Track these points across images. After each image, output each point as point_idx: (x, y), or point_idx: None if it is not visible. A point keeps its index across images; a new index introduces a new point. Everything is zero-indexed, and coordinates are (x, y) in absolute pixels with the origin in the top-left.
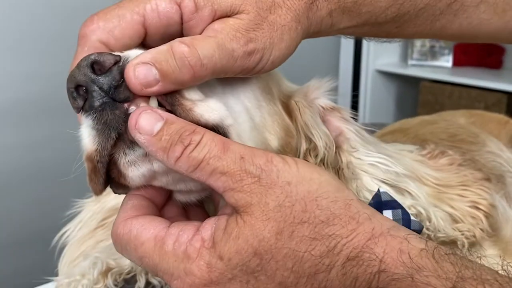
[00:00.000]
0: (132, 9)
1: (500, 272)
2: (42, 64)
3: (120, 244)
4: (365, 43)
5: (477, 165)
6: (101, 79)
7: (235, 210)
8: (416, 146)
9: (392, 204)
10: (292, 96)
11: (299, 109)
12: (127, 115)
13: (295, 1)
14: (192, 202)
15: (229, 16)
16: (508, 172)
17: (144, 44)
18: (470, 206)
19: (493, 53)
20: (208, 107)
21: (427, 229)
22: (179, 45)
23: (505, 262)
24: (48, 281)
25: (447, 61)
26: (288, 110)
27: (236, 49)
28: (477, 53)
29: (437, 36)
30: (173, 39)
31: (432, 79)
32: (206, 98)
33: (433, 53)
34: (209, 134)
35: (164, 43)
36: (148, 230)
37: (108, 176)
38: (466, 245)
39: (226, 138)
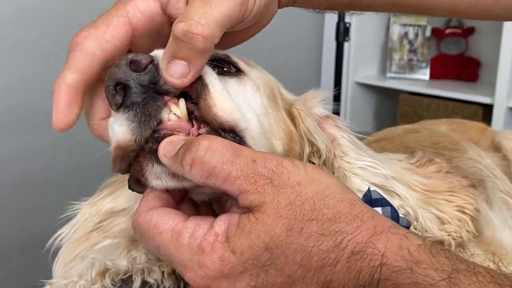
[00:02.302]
0: (116, 13)
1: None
2: (36, 72)
3: (140, 232)
4: (346, 56)
5: (463, 173)
6: (141, 77)
7: (249, 210)
8: (405, 155)
9: (382, 202)
10: (293, 104)
11: (301, 116)
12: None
13: None
14: (204, 200)
15: None
16: (488, 177)
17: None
18: (456, 210)
19: (469, 66)
20: (226, 108)
21: (415, 228)
22: (176, 27)
23: (495, 258)
24: (43, 284)
25: (424, 74)
26: (291, 117)
27: None
28: (453, 66)
29: (396, 6)
30: (162, 30)
31: (410, 91)
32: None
33: (410, 66)
34: (219, 140)
35: (153, 37)
36: (167, 221)
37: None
38: (453, 246)
39: (235, 143)
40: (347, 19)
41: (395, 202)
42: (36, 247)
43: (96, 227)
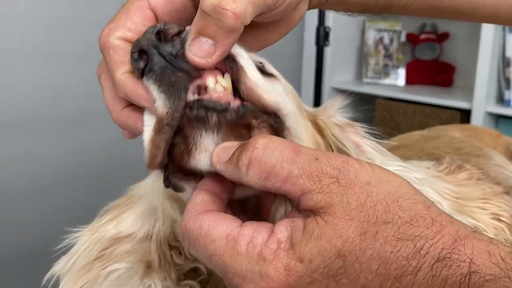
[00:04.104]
0: (133, 1)
1: None
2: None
3: (189, 239)
4: (324, 61)
5: (493, 179)
6: (161, 46)
7: (313, 212)
8: (432, 162)
9: None
10: (317, 115)
11: (329, 126)
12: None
13: None
14: (241, 198)
15: None
16: None
17: None
18: (492, 218)
19: (444, 71)
20: (270, 90)
21: None
22: (205, 0)
23: None
24: None
25: (400, 79)
26: (316, 128)
27: None
28: (428, 71)
29: (434, 9)
30: (183, 12)
31: (386, 96)
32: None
33: (386, 72)
34: (277, 138)
35: (174, 20)
36: (220, 227)
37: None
38: None
39: (295, 142)
40: (327, 23)
41: None
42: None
43: (100, 255)
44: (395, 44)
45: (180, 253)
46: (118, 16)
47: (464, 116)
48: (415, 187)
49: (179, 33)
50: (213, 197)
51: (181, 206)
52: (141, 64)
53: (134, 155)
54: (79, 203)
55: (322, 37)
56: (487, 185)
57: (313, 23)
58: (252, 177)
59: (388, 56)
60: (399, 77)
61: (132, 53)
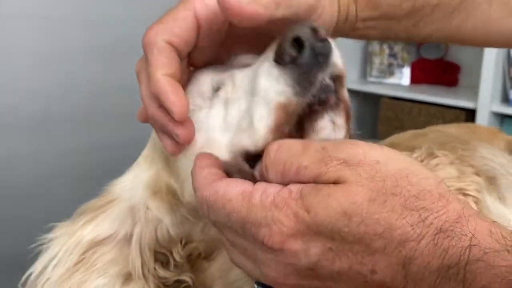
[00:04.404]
0: (184, 7)
1: None
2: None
3: (207, 205)
4: None
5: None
6: (318, 44)
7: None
8: (405, 153)
9: None
10: None
11: None
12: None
13: None
14: None
15: None
16: (501, 174)
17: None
18: (457, 194)
19: (449, 71)
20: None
21: None
22: None
23: None
24: None
25: (404, 78)
26: None
27: None
28: (433, 71)
29: (454, 38)
30: (220, 28)
31: (390, 96)
32: None
33: (390, 71)
34: (288, 140)
35: (211, 32)
36: (235, 187)
37: None
38: None
39: (306, 140)
40: None
41: None
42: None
43: (81, 259)
44: (400, 43)
45: (167, 263)
46: (166, 19)
47: (469, 115)
48: (425, 167)
49: (327, 40)
50: (216, 169)
51: (172, 206)
52: (293, 53)
53: (137, 155)
54: (80, 203)
55: None
56: (456, 167)
57: None
58: (272, 179)
59: (392, 55)
60: (404, 76)
61: (288, 37)
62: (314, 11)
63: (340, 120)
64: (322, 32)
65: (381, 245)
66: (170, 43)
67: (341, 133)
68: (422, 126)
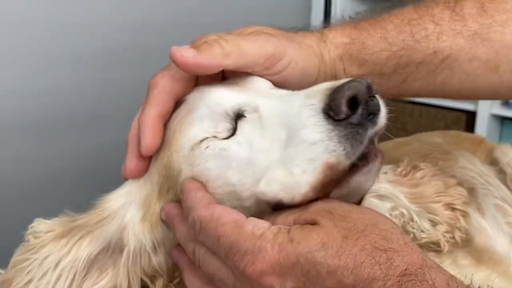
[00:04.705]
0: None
1: None
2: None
3: (200, 225)
4: None
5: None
6: (371, 102)
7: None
8: (389, 166)
9: None
10: None
11: None
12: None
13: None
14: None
15: None
16: (480, 184)
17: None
18: (446, 209)
19: None
20: None
21: (412, 228)
22: None
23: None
24: None
25: None
26: None
27: None
28: None
29: (443, 93)
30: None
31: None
32: None
33: None
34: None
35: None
36: (230, 214)
37: None
38: (446, 247)
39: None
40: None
41: (387, 205)
42: None
43: (75, 279)
44: None
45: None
46: (170, 65)
47: (470, 117)
48: (393, 221)
49: (376, 96)
50: (209, 193)
51: (158, 239)
52: (348, 112)
53: None
54: (82, 205)
55: None
56: (441, 180)
57: (318, 23)
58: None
59: None
60: None
61: (347, 95)
62: (275, 61)
63: (375, 170)
64: (375, 90)
65: (352, 282)
66: (169, 87)
67: (374, 182)
68: (423, 128)
